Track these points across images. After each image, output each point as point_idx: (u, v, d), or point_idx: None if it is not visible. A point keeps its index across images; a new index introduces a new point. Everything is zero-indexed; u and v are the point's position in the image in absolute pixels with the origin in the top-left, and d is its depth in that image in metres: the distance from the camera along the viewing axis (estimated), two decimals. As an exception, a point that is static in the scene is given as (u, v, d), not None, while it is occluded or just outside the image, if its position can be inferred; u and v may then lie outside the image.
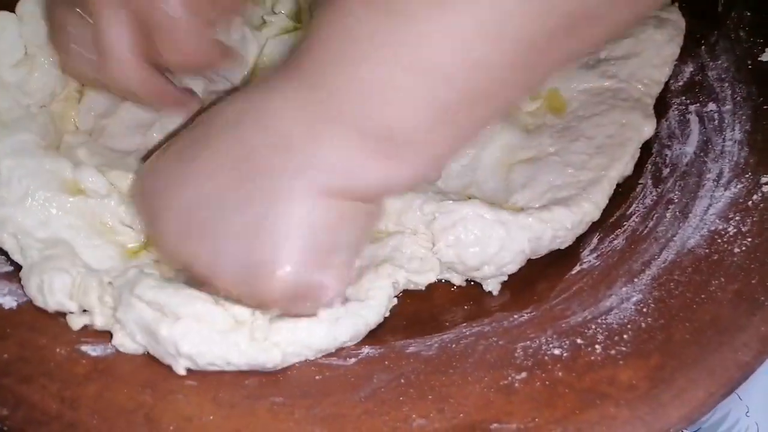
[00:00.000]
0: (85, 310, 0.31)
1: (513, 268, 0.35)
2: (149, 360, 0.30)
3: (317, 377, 0.31)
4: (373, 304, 0.32)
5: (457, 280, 0.37)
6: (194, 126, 0.32)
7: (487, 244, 0.34)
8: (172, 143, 0.32)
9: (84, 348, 0.30)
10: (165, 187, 0.30)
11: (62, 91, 0.39)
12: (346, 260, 0.31)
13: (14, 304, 0.31)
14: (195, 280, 0.30)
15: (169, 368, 0.30)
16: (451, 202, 0.35)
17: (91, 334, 0.31)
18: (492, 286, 0.36)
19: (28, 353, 0.29)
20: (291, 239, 0.28)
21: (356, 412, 0.29)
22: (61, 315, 0.32)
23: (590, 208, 0.36)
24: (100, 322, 0.31)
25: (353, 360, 0.32)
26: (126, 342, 0.30)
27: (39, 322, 0.31)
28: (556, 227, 0.35)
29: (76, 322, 0.31)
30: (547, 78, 0.29)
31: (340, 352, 0.32)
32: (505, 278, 0.36)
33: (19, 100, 0.37)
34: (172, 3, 0.31)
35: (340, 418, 0.29)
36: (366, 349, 0.33)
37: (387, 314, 0.34)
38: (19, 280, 0.32)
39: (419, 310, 0.36)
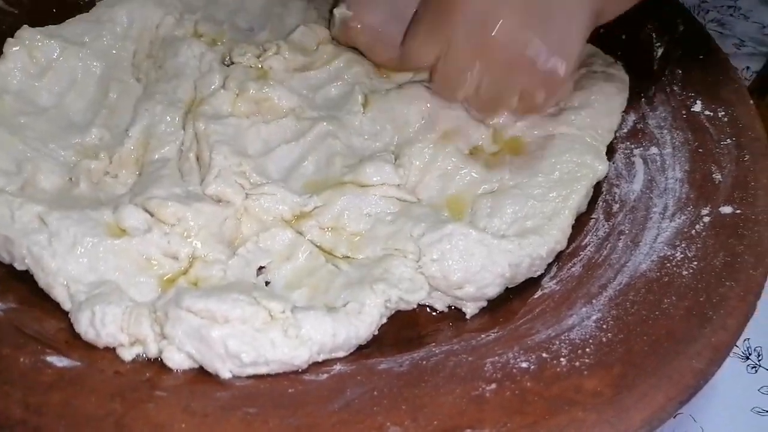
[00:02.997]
0: (132, 343, 0.32)
1: (493, 291, 0.37)
2: (118, 373, 0.30)
3: (290, 390, 0.31)
4: (366, 319, 0.34)
5: (440, 305, 0.38)
6: None
7: (469, 261, 0.36)
8: None
9: (49, 359, 0.29)
10: None
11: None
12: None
13: (-24, 315, 0.30)
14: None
15: (138, 380, 0.29)
16: (439, 221, 0.37)
17: (56, 345, 0.30)
18: (471, 311, 0.37)
19: (-10, 361, 0.28)
20: (576, 46, 0.42)
21: (330, 422, 0.29)
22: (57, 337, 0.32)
23: (560, 236, 0.39)
24: (154, 350, 0.31)
25: (325, 375, 0.32)
26: (174, 356, 0.31)
27: (2, 333, 0.30)
28: (533, 255, 0.37)
29: (128, 354, 0.31)
30: None
31: (311, 368, 0.33)
32: (485, 303, 0.37)
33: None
34: None
35: (315, 427, 0.28)
36: (338, 366, 0.33)
37: (376, 332, 0.34)
38: (-17, 292, 0.31)
39: (387, 332, 0.37)
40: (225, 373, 0.31)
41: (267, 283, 0.38)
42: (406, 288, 0.36)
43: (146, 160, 0.42)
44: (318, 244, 0.39)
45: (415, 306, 0.37)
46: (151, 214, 0.36)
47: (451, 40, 0.42)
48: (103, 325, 0.31)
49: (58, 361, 0.29)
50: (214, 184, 0.39)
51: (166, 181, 0.39)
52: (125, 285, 0.34)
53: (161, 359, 0.31)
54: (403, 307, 0.37)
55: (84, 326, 0.31)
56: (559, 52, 0.41)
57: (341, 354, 0.33)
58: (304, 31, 0.49)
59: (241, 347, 0.31)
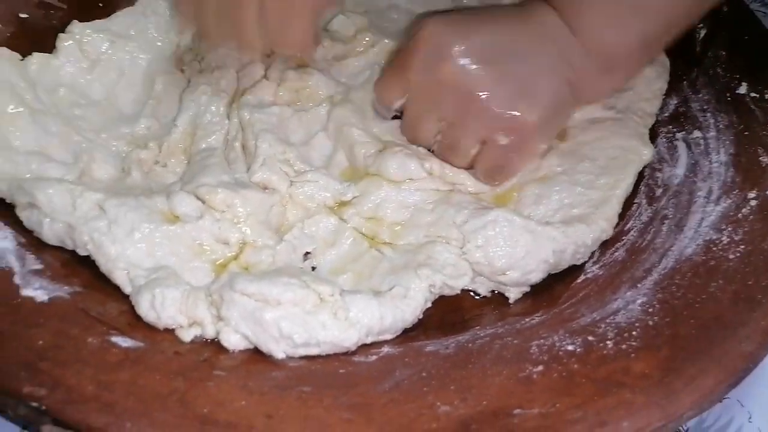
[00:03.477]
0: (191, 325, 0.33)
1: (536, 277, 0.37)
2: (177, 353, 0.31)
3: (341, 371, 0.32)
4: (411, 303, 0.34)
5: (483, 289, 0.38)
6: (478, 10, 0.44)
7: (514, 247, 0.36)
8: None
9: (114, 339, 0.31)
10: (465, 29, 0.39)
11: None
12: (556, 127, 0.42)
13: (46, 298, 0.32)
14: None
15: (197, 360, 0.31)
16: (481, 207, 0.37)
17: (120, 327, 0.32)
18: (514, 295, 0.38)
19: (61, 341, 0.30)
20: (544, 99, 0.39)
21: (382, 401, 0.30)
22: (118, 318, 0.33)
23: (605, 225, 0.39)
24: (211, 331, 0.33)
25: (374, 357, 0.33)
26: (231, 337, 0.32)
27: (70, 315, 0.31)
28: (578, 243, 0.37)
29: (187, 335, 0.33)
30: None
31: (360, 350, 0.33)
32: (528, 289, 0.38)
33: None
34: None
35: (367, 406, 0.29)
36: (386, 348, 0.34)
37: (421, 316, 0.35)
38: (50, 276, 0.33)
39: (432, 316, 0.37)
40: (279, 354, 0.32)
41: (313, 268, 0.39)
42: (450, 273, 0.37)
43: (194, 149, 0.43)
44: (360, 231, 0.40)
45: (459, 291, 0.38)
46: (203, 201, 0.38)
47: (411, 82, 0.40)
48: (163, 307, 0.32)
49: (123, 342, 0.31)
50: (260, 172, 0.40)
51: (214, 170, 0.40)
52: (181, 270, 0.35)
53: (218, 340, 0.33)
54: (447, 292, 0.37)
55: (145, 309, 0.32)
56: (521, 97, 0.38)
57: (388, 336, 0.34)
58: (341, 20, 0.49)
59: (294, 329, 0.32)
